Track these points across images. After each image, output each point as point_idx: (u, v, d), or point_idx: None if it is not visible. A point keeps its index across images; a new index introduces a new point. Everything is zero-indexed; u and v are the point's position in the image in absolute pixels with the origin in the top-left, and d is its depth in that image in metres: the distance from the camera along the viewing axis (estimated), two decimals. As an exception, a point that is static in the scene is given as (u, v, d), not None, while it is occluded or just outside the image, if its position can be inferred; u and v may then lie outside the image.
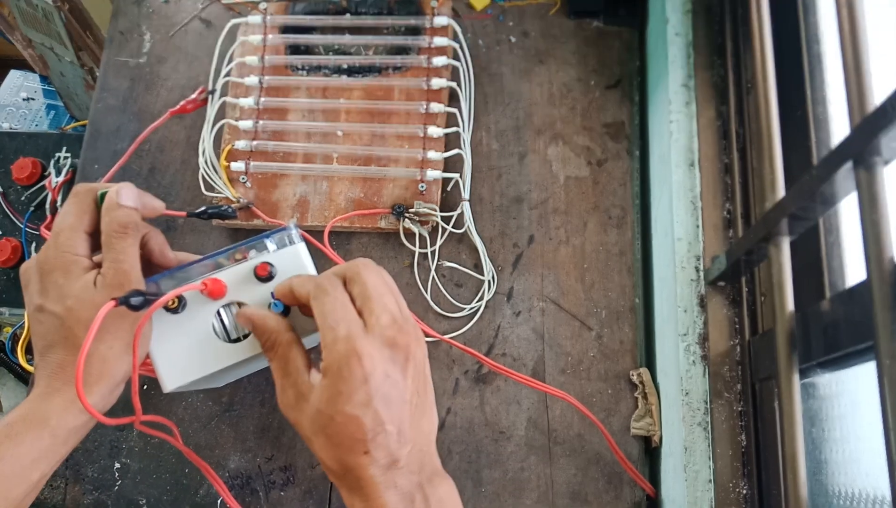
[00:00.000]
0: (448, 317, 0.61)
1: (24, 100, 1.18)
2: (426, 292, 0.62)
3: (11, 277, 0.75)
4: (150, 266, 0.48)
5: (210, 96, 0.64)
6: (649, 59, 0.67)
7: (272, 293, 0.48)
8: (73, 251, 0.42)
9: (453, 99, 0.66)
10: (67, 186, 0.73)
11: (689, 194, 0.54)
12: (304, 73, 0.66)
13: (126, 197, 0.43)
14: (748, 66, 0.55)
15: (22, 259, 0.74)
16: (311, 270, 0.49)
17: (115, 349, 0.42)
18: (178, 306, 0.46)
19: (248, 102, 0.64)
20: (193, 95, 0.64)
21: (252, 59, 0.66)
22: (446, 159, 0.63)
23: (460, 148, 0.64)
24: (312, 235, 0.61)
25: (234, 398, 0.60)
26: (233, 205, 0.61)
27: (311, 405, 0.38)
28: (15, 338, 0.73)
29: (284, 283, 0.44)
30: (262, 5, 0.68)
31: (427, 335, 0.60)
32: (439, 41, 0.65)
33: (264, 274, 0.47)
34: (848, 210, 0.46)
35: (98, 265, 0.43)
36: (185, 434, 0.59)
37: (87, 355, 0.38)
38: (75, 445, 0.43)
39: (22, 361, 0.61)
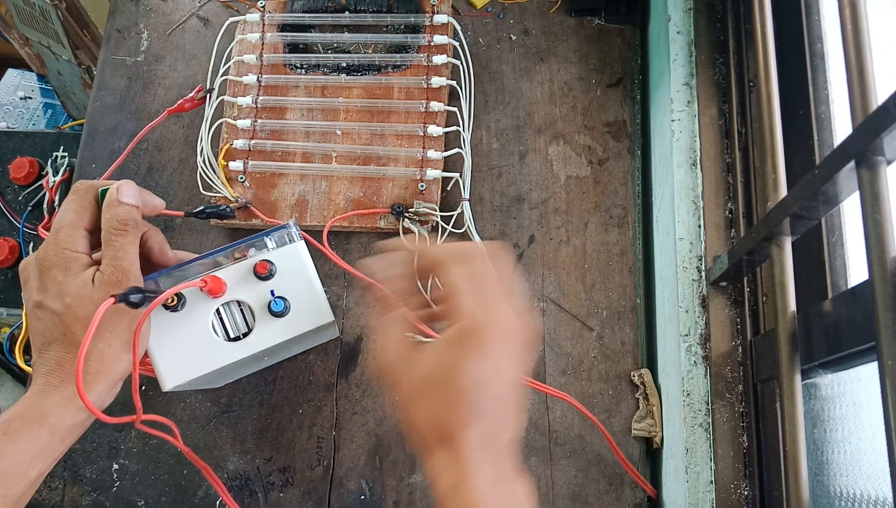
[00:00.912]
0: (448, 317, 0.61)
1: (21, 99, 1.17)
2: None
3: (9, 277, 0.74)
4: (150, 265, 0.48)
5: (208, 95, 0.64)
6: (651, 57, 0.67)
7: (272, 292, 0.47)
8: (72, 248, 0.42)
9: (453, 98, 0.66)
10: (65, 185, 0.72)
11: (690, 194, 0.54)
12: (303, 71, 0.66)
13: (126, 194, 0.43)
14: (750, 64, 0.54)
15: (20, 259, 0.73)
16: (311, 268, 0.49)
17: (114, 346, 0.42)
18: (177, 305, 0.46)
19: (246, 100, 0.64)
20: (191, 94, 0.63)
21: (250, 58, 0.65)
22: (446, 159, 0.63)
23: (460, 147, 0.63)
24: (311, 234, 0.61)
25: (232, 398, 0.60)
26: (231, 204, 0.60)
27: (429, 362, 0.36)
28: (13, 338, 0.73)
29: (410, 249, 0.40)
30: (261, 3, 0.67)
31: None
32: (439, 39, 0.64)
33: (264, 272, 0.47)
34: (850, 210, 0.46)
35: (98, 263, 0.43)
36: (183, 436, 0.58)
37: (86, 353, 0.38)
38: (72, 443, 0.42)
39: (20, 361, 0.61)
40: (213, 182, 0.63)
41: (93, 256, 0.44)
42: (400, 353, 0.37)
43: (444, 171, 0.62)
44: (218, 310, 0.47)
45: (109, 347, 0.42)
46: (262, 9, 0.67)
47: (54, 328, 0.41)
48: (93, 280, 0.41)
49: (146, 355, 0.46)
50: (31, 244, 0.74)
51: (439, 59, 0.64)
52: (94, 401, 0.41)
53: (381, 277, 0.40)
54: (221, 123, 0.64)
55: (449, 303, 0.36)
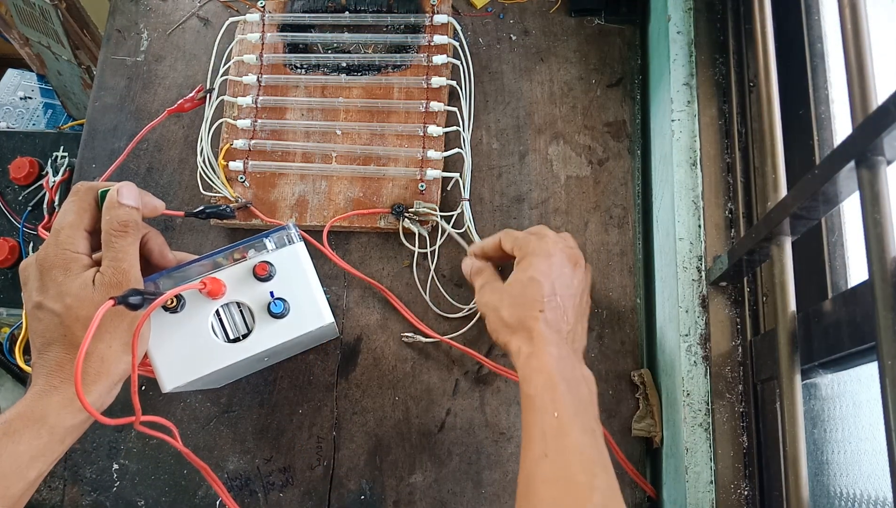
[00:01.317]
0: (448, 318, 0.61)
1: (21, 99, 1.17)
2: (425, 292, 0.61)
3: (9, 277, 0.74)
4: (150, 267, 0.48)
5: (208, 95, 0.64)
6: (651, 57, 0.67)
7: (271, 293, 0.48)
8: (73, 249, 0.42)
9: (453, 98, 0.66)
10: (65, 185, 0.72)
11: (690, 194, 0.54)
12: (303, 71, 0.66)
13: (127, 196, 0.43)
14: (750, 64, 0.54)
15: (19, 259, 0.73)
16: (310, 270, 0.49)
17: (114, 347, 0.42)
18: (176, 306, 0.46)
19: (246, 100, 0.64)
20: (191, 94, 0.63)
21: (250, 58, 0.65)
22: (446, 159, 0.63)
23: (460, 147, 0.63)
24: (311, 234, 0.61)
25: (232, 398, 0.60)
26: (231, 204, 0.60)
27: (506, 287, 0.50)
28: (13, 338, 0.73)
29: (476, 246, 0.56)
30: (261, 3, 0.67)
31: (426, 336, 0.60)
32: (439, 39, 0.64)
33: (263, 274, 0.47)
34: (850, 210, 0.46)
35: (98, 264, 0.43)
36: (183, 436, 0.58)
37: (86, 353, 0.38)
38: (72, 444, 0.43)
39: (20, 361, 0.61)
40: (213, 182, 0.63)
41: (93, 257, 0.44)
42: (494, 288, 0.52)
43: (444, 171, 0.62)
44: (217, 311, 0.47)
45: (109, 348, 0.42)
46: (262, 9, 0.67)
47: (54, 328, 0.41)
48: (93, 281, 0.41)
49: (147, 356, 0.46)
50: (31, 244, 0.74)
51: (439, 59, 0.64)
52: (93, 402, 0.41)
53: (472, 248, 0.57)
54: (221, 123, 0.64)
55: (519, 249, 0.51)
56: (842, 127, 0.48)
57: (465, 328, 0.60)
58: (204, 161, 0.63)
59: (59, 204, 0.71)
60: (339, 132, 0.64)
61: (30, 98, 1.18)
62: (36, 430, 0.40)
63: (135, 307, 0.40)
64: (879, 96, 0.33)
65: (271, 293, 0.47)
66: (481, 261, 0.55)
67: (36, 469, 0.40)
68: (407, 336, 0.60)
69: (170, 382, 0.46)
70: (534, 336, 0.46)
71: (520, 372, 0.46)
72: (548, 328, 0.47)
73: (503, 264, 0.57)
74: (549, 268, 0.49)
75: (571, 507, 0.40)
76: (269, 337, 0.47)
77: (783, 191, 0.43)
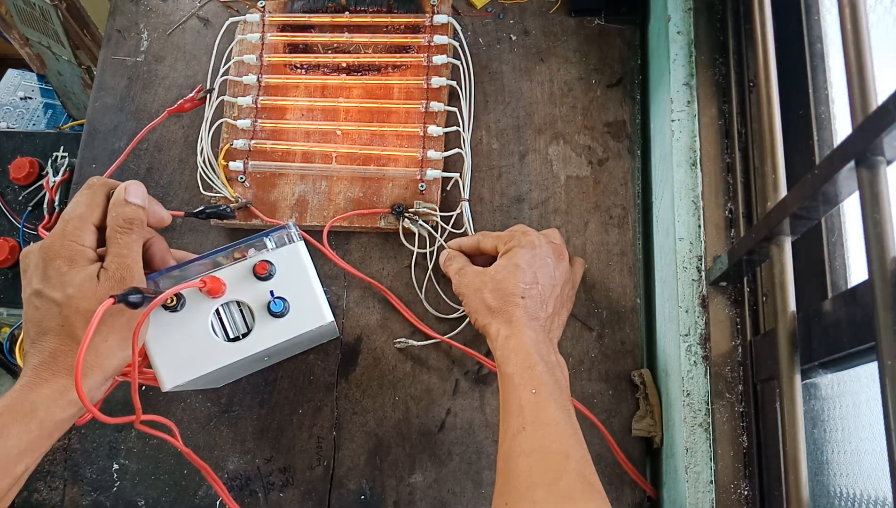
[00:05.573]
0: (448, 318, 0.61)
1: (21, 99, 1.18)
2: (425, 292, 0.61)
3: (9, 277, 0.74)
4: (150, 271, 0.48)
5: (208, 95, 0.64)
6: (651, 57, 0.67)
7: (271, 292, 0.48)
8: (79, 242, 0.42)
9: (453, 98, 0.66)
10: (65, 185, 0.72)
11: (690, 194, 0.54)
12: (303, 71, 0.66)
13: (134, 194, 0.44)
14: (750, 64, 0.54)
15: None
16: (310, 269, 0.49)
17: (110, 342, 0.42)
18: (176, 305, 0.46)
19: (246, 100, 0.64)
20: (191, 94, 0.63)
21: (250, 58, 0.65)
22: (446, 159, 0.63)
23: (460, 147, 0.63)
24: (311, 234, 0.61)
25: (232, 398, 0.60)
26: (231, 205, 0.60)
27: (490, 270, 0.53)
28: (13, 338, 0.73)
29: (454, 243, 0.59)
30: (261, 3, 0.67)
31: (426, 336, 0.60)
32: (439, 39, 0.64)
33: (263, 273, 0.47)
34: (850, 210, 0.46)
35: (102, 259, 0.43)
36: (183, 436, 0.58)
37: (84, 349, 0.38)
38: (58, 438, 0.42)
39: (20, 361, 0.61)
40: (213, 182, 0.63)
41: (97, 252, 0.44)
42: (473, 273, 0.54)
43: (444, 171, 0.62)
44: (217, 310, 0.47)
45: (105, 342, 0.42)
46: (262, 9, 0.67)
47: (52, 318, 0.41)
48: (97, 275, 0.41)
49: (147, 362, 0.46)
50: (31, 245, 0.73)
51: (439, 59, 0.64)
52: (85, 394, 0.41)
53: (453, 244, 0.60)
54: (221, 124, 0.64)
55: (504, 243, 0.54)
56: (842, 127, 0.48)
57: (463, 326, 0.60)
58: (204, 161, 0.63)
59: (60, 204, 0.71)
60: (339, 132, 0.64)
61: (30, 98, 1.18)
62: (25, 424, 0.39)
63: (135, 306, 0.40)
64: (879, 96, 0.33)
65: (271, 292, 0.47)
66: (455, 250, 0.58)
67: (23, 464, 0.40)
68: (399, 342, 0.59)
69: (169, 381, 0.46)
70: (513, 321, 0.49)
71: (498, 353, 0.48)
72: (526, 314, 0.49)
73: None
74: (532, 258, 0.52)
75: (548, 475, 0.41)
76: (269, 336, 0.47)
77: (783, 191, 0.43)
